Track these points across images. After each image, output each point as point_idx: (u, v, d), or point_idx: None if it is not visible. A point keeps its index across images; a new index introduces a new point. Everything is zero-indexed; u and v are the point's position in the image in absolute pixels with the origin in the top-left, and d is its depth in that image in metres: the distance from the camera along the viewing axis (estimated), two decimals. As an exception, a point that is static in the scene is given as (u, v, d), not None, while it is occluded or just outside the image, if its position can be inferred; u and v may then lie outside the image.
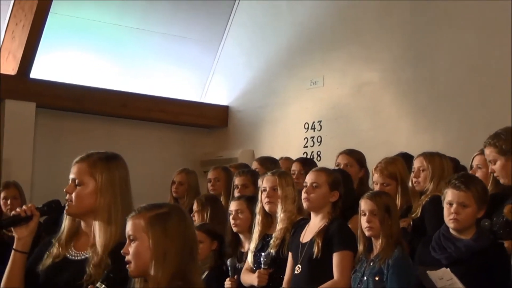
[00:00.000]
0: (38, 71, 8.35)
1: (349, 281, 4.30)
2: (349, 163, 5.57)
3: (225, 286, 4.87)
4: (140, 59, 9.26)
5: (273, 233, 4.77)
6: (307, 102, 8.64)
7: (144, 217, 2.67)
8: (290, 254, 4.59)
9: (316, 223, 4.51)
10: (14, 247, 3.01)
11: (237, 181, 5.65)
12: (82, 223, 3.05)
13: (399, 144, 6.83)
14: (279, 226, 4.75)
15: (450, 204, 3.85)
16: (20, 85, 8.15)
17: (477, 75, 7.07)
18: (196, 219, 5.46)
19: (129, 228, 2.69)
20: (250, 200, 5.08)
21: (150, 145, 9.20)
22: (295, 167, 5.87)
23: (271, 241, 4.74)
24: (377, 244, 4.25)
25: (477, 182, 3.93)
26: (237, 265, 4.93)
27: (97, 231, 2.96)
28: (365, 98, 8.05)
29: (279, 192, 4.79)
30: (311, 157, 8.33)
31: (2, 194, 6.44)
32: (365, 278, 4.20)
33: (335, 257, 4.35)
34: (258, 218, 4.88)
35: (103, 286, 2.73)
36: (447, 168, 4.80)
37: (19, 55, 8.05)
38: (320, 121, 8.50)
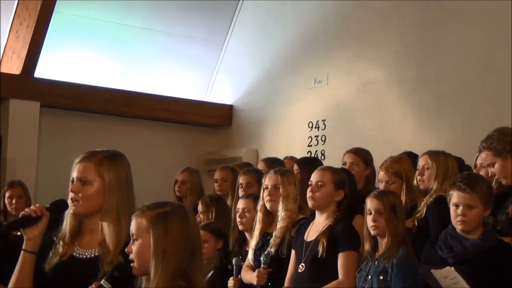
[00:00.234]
0: (42, 71, 8.36)
1: (354, 282, 4.30)
2: (355, 162, 5.56)
3: (228, 285, 4.88)
4: (144, 58, 9.26)
5: (274, 232, 4.78)
6: (311, 101, 8.64)
7: (146, 216, 2.67)
8: (293, 251, 4.60)
9: (320, 222, 4.51)
10: (23, 247, 2.99)
11: (241, 179, 5.65)
12: (85, 222, 3.04)
13: (404, 143, 6.82)
14: (279, 225, 4.76)
15: (456, 206, 3.84)
16: (24, 85, 8.16)
17: (482, 74, 7.06)
18: (202, 219, 5.48)
19: (132, 227, 2.70)
20: (258, 200, 5.09)
21: (154, 144, 9.20)
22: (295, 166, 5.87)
23: (271, 240, 4.75)
24: (383, 243, 4.24)
25: (482, 182, 3.92)
26: (242, 264, 4.94)
27: (107, 230, 2.96)
28: (369, 97, 8.04)
29: (281, 190, 4.81)
30: (315, 156, 8.33)
31: (7, 193, 6.44)
32: (370, 277, 4.20)
33: (341, 257, 4.35)
34: (259, 216, 4.90)
35: (107, 283, 2.75)
36: (452, 167, 4.79)
37: (23, 54, 8.06)
38: (324, 120, 8.49)
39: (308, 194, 4.53)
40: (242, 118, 9.49)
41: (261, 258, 4.71)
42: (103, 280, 2.76)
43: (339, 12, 8.46)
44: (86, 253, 2.99)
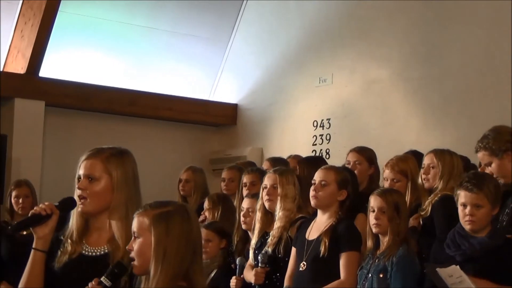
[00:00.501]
0: (47, 70, 8.36)
1: (355, 282, 4.31)
2: (359, 161, 5.56)
3: (231, 285, 4.90)
4: (149, 57, 9.27)
5: (271, 231, 4.79)
6: (316, 100, 8.63)
7: (148, 215, 2.67)
8: (293, 249, 4.60)
9: (323, 221, 4.51)
10: (34, 246, 2.97)
11: (245, 179, 5.66)
12: (92, 220, 3.03)
13: (408, 142, 6.81)
14: (276, 224, 4.78)
15: (464, 206, 3.84)
16: (29, 84, 8.17)
17: (486, 73, 7.05)
18: (208, 216, 5.49)
19: (134, 225, 2.70)
20: None
21: (158, 143, 9.21)
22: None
23: (269, 239, 4.76)
24: (384, 241, 4.25)
25: (488, 181, 3.91)
26: (245, 264, 4.95)
27: (115, 226, 2.95)
28: (374, 96, 8.04)
29: (279, 190, 4.82)
30: (320, 155, 8.33)
31: (14, 193, 6.44)
32: (370, 275, 4.20)
33: (343, 257, 4.36)
34: (258, 215, 4.93)
35: (107, 280, 2.74)
36: (457, 166, 4.78)
37: (28, 54, 8.07)
38: (328, 119, 8.49)
39: (311, 193, 4.53)
40: (247, 117, 9.48)
41: (259, 257, 4.73)
42: (103, 277, 2.75)
43: (343, 11, 8.45)
44: (96, 251, 2.99)
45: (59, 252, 3.00)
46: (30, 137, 8.15)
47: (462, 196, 3.85)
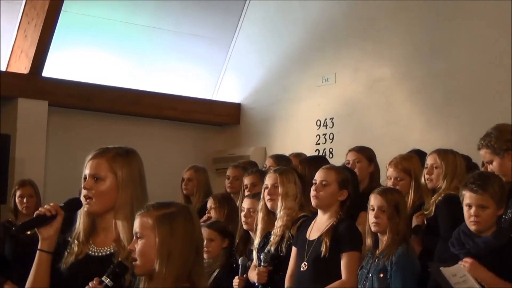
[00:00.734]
0: (50, 70, 8.37)
1: (356, 282, 4.31)
2: (358, 159, 5.59)
3: (234, 285, 4.90)
4: (152, 57, 9.27)
5: (273, 231, 4.79)
6: (319, 99, 8.63)
7: (151, 216, 2.67)
8: (294, 249, 4.60)
9: (323, 221, 4.51)
10: (39, 247, 2.97)
11: (246, 180, 5.67)
12: (99, 220, 3.03)
13: (412, 141, 6.81)
14: (278, 223, 4.77)
15: (469, 207, 3.83)
16: (33, 84, 8.18)
17: (490, 71, 7.04)
18: (213, 216, 5.49)
19: (136, 225, 2.70)
20: None
21: (162, 143, 9.21)
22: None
23: (271, 239, 4.76)
24: (383, 240, 4.24)
25: (493, 181, 3.89)
26: (247, 264, 4.95)
27: (121, 226, 2.95)
28: (377, 94, 8.03)
29: (280, 189, 4.81)
30: (323, 154, 8.33)
31: (18, 193, 6.45)
32: (370, 275, 4.20)
33: (344, 258, 4.36)
34: (260, 216, 4.92)
35: (108, 280, 2.74)
36: (460, 165, 4.78)
37: (32, 53, 8.08)
38: (332, 118, 8.48)
39: (312, 193, 4.53)
40: (250, 116, 9.48)
41: (261, 257, 4.73)
42: (104, 276, 2.75)
43: (347, 10, 8.45)
44: (102, 251, 2.99)
45: (66, 253, 3.00)
46: (33, 137, 8.16)
47: (467, 197, 3.85)
